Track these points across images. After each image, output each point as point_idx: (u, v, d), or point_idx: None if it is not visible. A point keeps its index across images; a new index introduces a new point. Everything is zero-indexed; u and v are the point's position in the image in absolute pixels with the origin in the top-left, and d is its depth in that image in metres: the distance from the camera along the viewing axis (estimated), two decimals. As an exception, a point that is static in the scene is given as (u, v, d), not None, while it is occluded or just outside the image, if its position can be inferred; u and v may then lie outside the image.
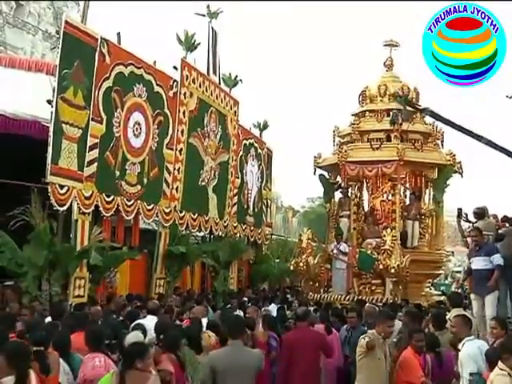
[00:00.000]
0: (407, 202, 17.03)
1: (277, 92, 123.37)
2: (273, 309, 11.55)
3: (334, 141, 17.21)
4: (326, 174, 17.30)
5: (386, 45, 17.26)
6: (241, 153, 18.30)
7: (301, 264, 15.63)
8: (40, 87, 11.39)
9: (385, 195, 17.46)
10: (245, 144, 18.70)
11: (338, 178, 16.78)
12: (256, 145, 19.61)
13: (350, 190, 17.10)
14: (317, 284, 15.91)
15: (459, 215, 11.64)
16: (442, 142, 16.59)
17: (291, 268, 16.51)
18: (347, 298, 14.71)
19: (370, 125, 16.58)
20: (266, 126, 20.33)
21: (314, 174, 17.14)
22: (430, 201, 16.96)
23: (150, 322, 8.02)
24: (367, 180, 17.41)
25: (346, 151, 15.96)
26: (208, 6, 16.15)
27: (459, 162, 16.19)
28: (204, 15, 16.03)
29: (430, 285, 18.10)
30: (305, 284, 16.18)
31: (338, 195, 17.03)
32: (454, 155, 16.04)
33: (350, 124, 17.06)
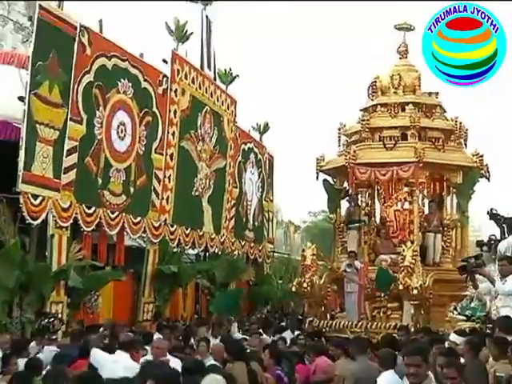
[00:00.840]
0: (426, 212, 16.72)
1: (275, 92, 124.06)
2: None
3: (339, 140, 16.72)
4: (330, 179, 16.91)
5: (398, 28, 16.81)
6: (239, 158, 18.39)
7: (304, 284, 15.17)
8: (9, 82, 11.47)
9: (399, 204, 17.14)
10: (243, 149, 18.78)
11: (345, 184, 16.42)
12: (256, 150, 19.71)
13: (359, 197, 16.76)
14: (323, 308, 15.53)
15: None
16: (466, 140, 16.28)
17: (293, 289, 16.13)
18: (359, 324, 14.33)
19: (382, 121, 16.10)
20: (266, 129, 20.32)
21: (317, 178, 16.61)
22: (453, 209, 16.66)
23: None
24: (379, 186, 17.08)
25: (354, 152, 15.54)
26: (201, -9, 16.18)
27: (486, 165, 15.88)
28: (197, 2, 16.10)
29: (453, 308, 17.77)
30: (308, 308, 15.82)
31: (344, 204, 16.67)
32: (481, 156, 15.66)
33: (358, 120, 16.63)
